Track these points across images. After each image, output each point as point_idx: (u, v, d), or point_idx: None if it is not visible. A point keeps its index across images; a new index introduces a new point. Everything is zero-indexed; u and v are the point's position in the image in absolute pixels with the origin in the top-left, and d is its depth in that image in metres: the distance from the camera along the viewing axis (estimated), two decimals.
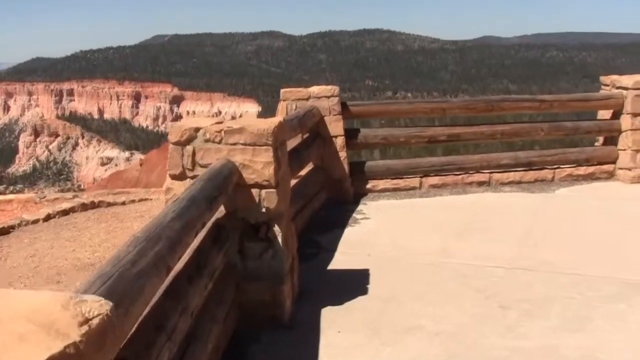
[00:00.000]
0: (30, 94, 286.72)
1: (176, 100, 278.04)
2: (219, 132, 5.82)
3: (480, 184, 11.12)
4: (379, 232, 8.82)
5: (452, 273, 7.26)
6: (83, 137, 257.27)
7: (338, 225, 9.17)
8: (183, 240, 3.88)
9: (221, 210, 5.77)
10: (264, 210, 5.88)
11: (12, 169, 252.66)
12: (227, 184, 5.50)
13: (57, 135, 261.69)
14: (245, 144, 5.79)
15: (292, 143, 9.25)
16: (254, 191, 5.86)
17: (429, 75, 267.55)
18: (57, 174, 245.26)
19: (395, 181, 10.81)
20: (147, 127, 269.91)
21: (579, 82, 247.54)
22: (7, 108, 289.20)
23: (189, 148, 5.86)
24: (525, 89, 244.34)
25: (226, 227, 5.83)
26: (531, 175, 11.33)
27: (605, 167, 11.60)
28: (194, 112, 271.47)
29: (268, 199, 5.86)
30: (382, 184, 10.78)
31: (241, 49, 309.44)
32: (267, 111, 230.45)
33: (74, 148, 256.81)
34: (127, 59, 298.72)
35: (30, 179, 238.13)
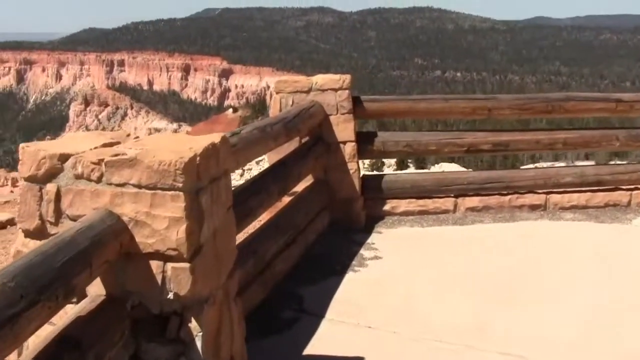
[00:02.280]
0: (82, 63, 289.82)
1: (225, 74, 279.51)
2: (98, 163, 3.44)
3: (534, 207, 8.52)
4: (390, 284, 6.33)
5: None
6: (132, 108, 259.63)
7: (337, 268, 6.69)
8: None
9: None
10: (171, 295, 3.49)
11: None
12: (97, 254, 3.16)
13: (106, 105, 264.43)
14: (139, 186, 3.41)
15: (285, 150, 6.87)
16: (155, 264, 3.48)
17: (479, 55, 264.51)
18: None
19: (422, 202, 8.27)
20: (195, 99, 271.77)
21: (633, 67, 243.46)
22: (59, 77, 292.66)
23: (51, 188, 3.49)
24: (576, 71, 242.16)
25: (106, 319, 3.44)
26: (600, 198, 8.68)
27: None
28: (242, 86, 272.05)
29: (177, 279, 3.47)
30: (404, 205, 8.25)
31: (291, 24, 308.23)
32: None
33: (122, 118, 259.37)
34: (177, 31, 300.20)
35: None
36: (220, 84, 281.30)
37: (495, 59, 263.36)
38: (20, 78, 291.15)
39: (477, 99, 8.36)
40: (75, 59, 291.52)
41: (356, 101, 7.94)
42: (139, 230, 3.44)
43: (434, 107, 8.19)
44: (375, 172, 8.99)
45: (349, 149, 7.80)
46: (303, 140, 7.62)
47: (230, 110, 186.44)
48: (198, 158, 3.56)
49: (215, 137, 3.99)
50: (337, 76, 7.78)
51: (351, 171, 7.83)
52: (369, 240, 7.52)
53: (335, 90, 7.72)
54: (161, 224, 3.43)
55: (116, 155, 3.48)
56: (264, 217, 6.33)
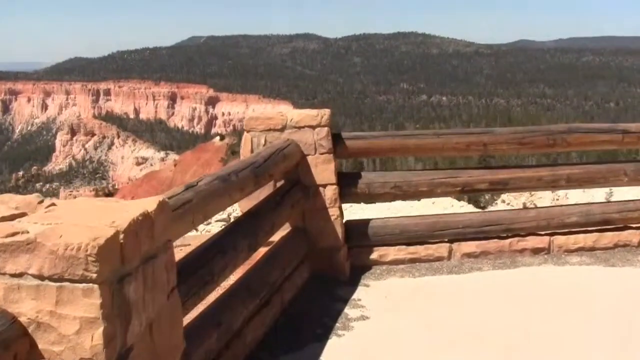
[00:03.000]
0: (67, 93, 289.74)
1: (212, 102, 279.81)
2: None
3: (537, 251, 7.68)
4: (379, 353, 5.47)
5: None
6: (119, 137, 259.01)
7: (318, 332, 5.81)
8: None
9: None
10: None
11: (48, 167, 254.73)
12: None
13: (93, 135, 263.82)
14: (41, 277, 2.60)
15: (258, 195, 6.03)
16: None
17: (464, 79, 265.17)
18: (93, 172, 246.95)
19: (413, 248, 7.41)
20: (182, 127, 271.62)
21: (616, 87, 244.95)
22: (45, 107, 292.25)
23: None
24: (561, 93, 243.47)
25: None
26: (609, 238, 7.84)
27: None
28: (229, 113, 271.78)
29: None
30: (393, 252, 7.39)
31: (276, 51, 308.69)
32: None
33: (109, 147, 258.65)
34: (163, 59, 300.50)
35: (66, 177, 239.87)
36: (207, 111, 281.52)
37: (480, 82, 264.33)
38: (6, 108, 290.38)
39: (472, 133, 7.50)
40: (60, 89, 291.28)
41: (337, 139, 7.11)
42: (42, 336, 2.61)
43: (424, 144, 7.35)
44: (358, 218, 7.76)
45: (329, 193, 6.95)
46: (278, 184, 6.79)
47: (217, 138, 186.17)
48: (122, 236, 2.72)
49: (150, 203, 3.14)
50: (314, 112, 6.95)
51: (333, 217, 6.97)
52: (355, 296, 6.65)
53: (313, 127, 6.89)
54: (71, 327, 2.60)
55: (12, 234, 2.63)
56: (231, 277, 5.48)
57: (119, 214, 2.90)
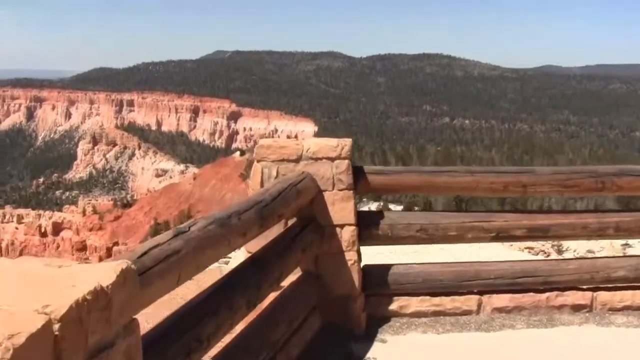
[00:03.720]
0: (91, 102, 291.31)
1: (234, 116, 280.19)
2: None
3: (577, 308, 6.82)
4: None
5: None
6: (140, 148, 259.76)
7: None
8: None
9: None
10: None
11: (69, 175, 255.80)
12: None
13: (114, 145, 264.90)
14: None
15: (269, 233, 5.25)
16: None
17: (488, 103, 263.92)
18: (112, 182, 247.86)
19: (437, 300, 6.59)
20: (203, 141, 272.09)
21: None
22: (69, 115, 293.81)
23: None
24: (585, 120, 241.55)
25: None
26: None
27: None
28: (250, 129, 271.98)
29: None
30: (415, 304, 6.56)
31: (300, 68, 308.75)
32: (324, 131, 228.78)
33: (130, 158, 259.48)
34: (187, 72, 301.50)
35: (86, 186, 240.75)
36: (228, 126, 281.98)
37: (504, 106, 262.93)
38: (30, 115, 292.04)
39: (509, 172, 6.66)
40: (85, 98, 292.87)
41: (358, 173, 6.31)
42: None
43: (455, 182, 6.52)
44: (378, 263, 6.89)
45: (347, 235, 6.15)
46: (290, 221, 6.01)
47: (238, 153, 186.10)
48: (57, 326, 1.95)
49: (108, 273, 2.35)
50: (334, 141, 6.17)
51: (349, 262, 6.17)
52: (370, 354, 5.83)
53: (332, 159, 6.10)
54: None
55: None
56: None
57: (59, 289, 2.12)
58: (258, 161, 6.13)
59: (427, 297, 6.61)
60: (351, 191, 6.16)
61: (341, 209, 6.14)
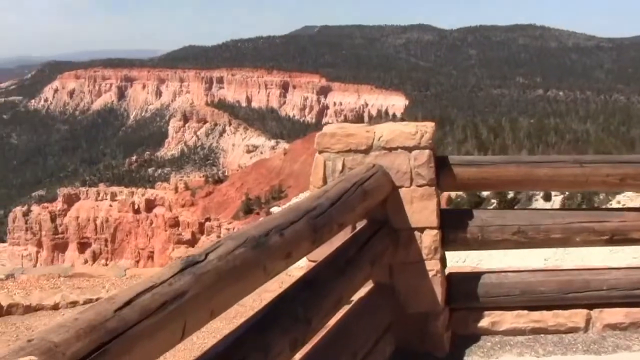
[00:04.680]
0: (181, 80, 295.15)
1: (323, 91, 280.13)
2: None
3: None
4: None
5: None
6: (230, 124, 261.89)
7: None
8: None
9: None
10: None
11: (161, 153, 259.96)
12: None
13: (205, 122, 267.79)
14: None
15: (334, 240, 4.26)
16: None
17: (583, 74, 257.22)
18: (204, 159, 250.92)
19: (537, 315, 5.46)
20: (293, 116, 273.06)
21: None
22: (159, 93, 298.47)
23: None
24: None
25: None
26: None
27: None
28: (340, 103, 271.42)
29: None
30: (510, 319, 5.46)
31: (390, 41, 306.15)
32: (414, 106, 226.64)
33: (221, 135, 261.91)
34: (276, 48, 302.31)
35: (177, 163, 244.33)
36: (318, 101, 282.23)
37: (599, 77, 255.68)
38: (121, 94, 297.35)
39: (629, 162, 5.47)
40: (175, 76, 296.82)
41: (441, 165, 5.24)
42: None
43: (561, 175, 5.35)
44: (465, 266, 5.73)
45: (428, 240, 5.10)
46: (358, 224, 5.00)
47: None
48: None
49: None
50: (412, 127, 5.10)
51: (431, 273, 5.12)
52: None
53: (410, 149, 5.05)
54: None
55: None
56: None
57: None
58: (320, 152, 5.12)
59: (525, 312, 5.50)
60: (433, 187, 5.10)
61: (421, 209, 5.09)
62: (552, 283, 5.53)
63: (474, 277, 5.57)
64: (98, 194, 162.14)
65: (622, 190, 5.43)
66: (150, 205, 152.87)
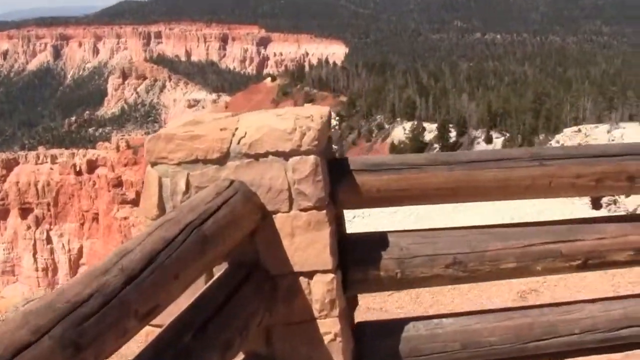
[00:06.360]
0: (118, 37, 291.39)
1: (263, 42, 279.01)
2: None
3: None
4: None
5: None
6: (170, 80, 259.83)
7: None
8: None
9: None
10: None
11: (101, 112, 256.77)
12: None
13: (145, 78, 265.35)
14: None
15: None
16: None
17: (519, 17, 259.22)
18: (145, 116, 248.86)
19: None
20: (234, 69, 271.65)
21: None
22: (96, 51, 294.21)
23: None
24: (618, 30, 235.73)
25: None
26: None
27: None
28: (281, 54, 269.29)
29: None
30: None
31: None
32: (354, 53, 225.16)
33: (161, 90, 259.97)
34: (214, 0, 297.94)
35: (118, 122, 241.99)
36: (258, 52, 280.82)
37: (535, 19, 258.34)
38: (57, 54, 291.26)
39: (606, 155, 3.70)
40: (111, 33, 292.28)
41: (337, 173, 3.52)
42: None
43: (514, 179, 3.61)
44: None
45: (320, 289, 3.38)
46: (218, 268, 3.28)
47: (269, 79, 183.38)
48: None
49: None
50: (288, 120, 3.34)
51: (327, 338, 3.40)
52: None
53: (286, 156, 3.32)
54: None
55: None
56: None
57: None
58: (153, 165, 3.36)
59: None
60: (323, 211, 3.37)
61: (307, 245, 3.36)
62: (505, 330, 3.85)
63: (392, 328, 3.86)
64: (38, 157, 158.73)
65: (600, 194, 3.67)
66: (92, 166, 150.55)
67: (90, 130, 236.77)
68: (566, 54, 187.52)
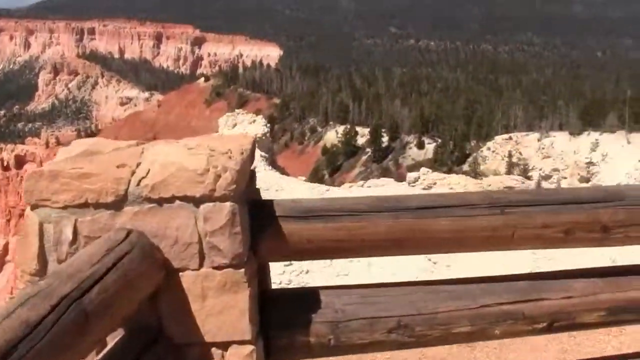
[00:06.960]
0: (51, 31, 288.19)
1: (197, 42, 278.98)
2: None
3: None
4: None
5: None
6: (103, 77, 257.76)
7: None
8: None
9: None
10: None
11: (31, 107, 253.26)
12: None
13: (76, 74, 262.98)
14: None
15: None
16: None
17: (453, 25, 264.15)
18: (76, 112, 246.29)
19: None
20: (167, 67, 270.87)
21: (602, 39, 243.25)
22: (27, 45, 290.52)
23: None
24: (549, 41, 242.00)
25: None
26: None
27: None
28: (215, 54, 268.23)
29: None
30: None
31: None
32: (288, 56, 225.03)
33: (93, 87, 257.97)
34: None
35: (48, 117, 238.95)
36: (192, 52, 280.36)
37: (470, 27, 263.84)
38: None
39: (577, 202, 3.17)
40: (44, 27, 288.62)
41: (259, 219, 2.92)
42: None
43: (470, 229, 3.08)
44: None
45: None
46: (111, 339, 2.65)
47: (202, 79, 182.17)
48: None
49: None
50: (201, 156, 2.74)
51: None
52: None
53: (196, 202, 2.70)
54: None
55: None
56: None
57: None
58: (33, 207, 2.70)
59: None
60: (242, 269, 2.75)
61: (221, 310, 2.74)
62: None
63: None
64: None
65: (570, 246, 3.18)
66: (20, 161, 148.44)
67: (20, 125, 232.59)
68: (498, 63, 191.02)
